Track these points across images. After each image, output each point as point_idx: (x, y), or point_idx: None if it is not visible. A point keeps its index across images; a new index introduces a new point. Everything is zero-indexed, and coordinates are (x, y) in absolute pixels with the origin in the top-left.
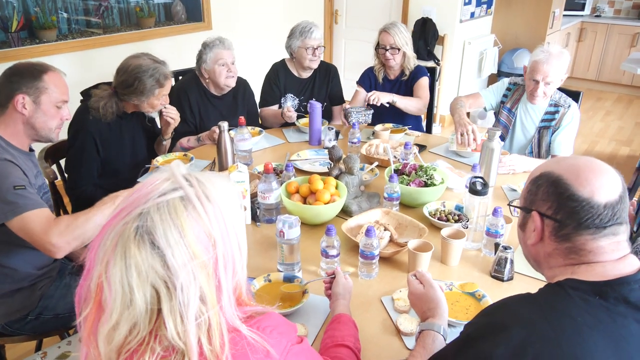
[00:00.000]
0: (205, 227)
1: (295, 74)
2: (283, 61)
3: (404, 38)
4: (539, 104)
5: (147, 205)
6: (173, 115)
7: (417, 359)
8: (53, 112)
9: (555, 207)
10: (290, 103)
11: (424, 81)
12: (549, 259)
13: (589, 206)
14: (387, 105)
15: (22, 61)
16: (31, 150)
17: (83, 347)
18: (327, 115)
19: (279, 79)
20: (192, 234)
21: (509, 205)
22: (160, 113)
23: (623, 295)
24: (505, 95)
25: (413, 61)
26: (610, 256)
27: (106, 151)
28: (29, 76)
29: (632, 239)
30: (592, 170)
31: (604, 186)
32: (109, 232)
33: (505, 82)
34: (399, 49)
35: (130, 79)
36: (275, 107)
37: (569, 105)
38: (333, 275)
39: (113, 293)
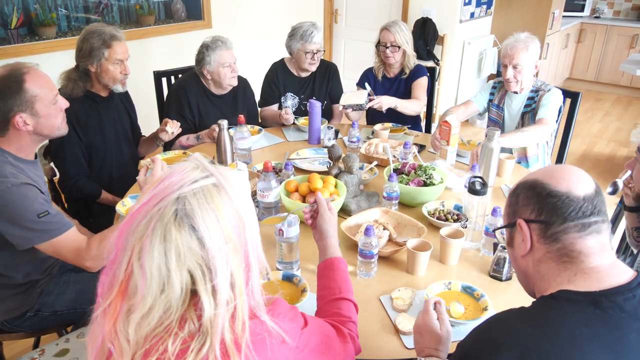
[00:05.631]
0: (236, 210)
1: (295, 73)
2: (282, 60)
3: (404, 36)
4: (513, 89)
5: (182, 190)
6: (167, 129)
7: None
8: (52, 110)
9: (538, 208)
10: (290, 102)
11: (423, 81)
12: (540, 265)
13: (569, 199)
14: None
15: None
16: (36, 157)
17: (100, 343)
18: (327, 114)
19: (278, 79)
20: (226, 217)
21: (494, 231)
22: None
23: (619, 305)
24: (492, 94)
25: (413, 60)
26: (601, 259)
27: (87, 136)
28: (11, 94)
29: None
30: (563, 169)
31: (578, 181)
32: (138, 218)
33: (490, 83)
34: (399, 47)
35: (80, 43)
36: (275, 106)
37: (550, 89)
38: (314, 204)
39: (148, 279)
